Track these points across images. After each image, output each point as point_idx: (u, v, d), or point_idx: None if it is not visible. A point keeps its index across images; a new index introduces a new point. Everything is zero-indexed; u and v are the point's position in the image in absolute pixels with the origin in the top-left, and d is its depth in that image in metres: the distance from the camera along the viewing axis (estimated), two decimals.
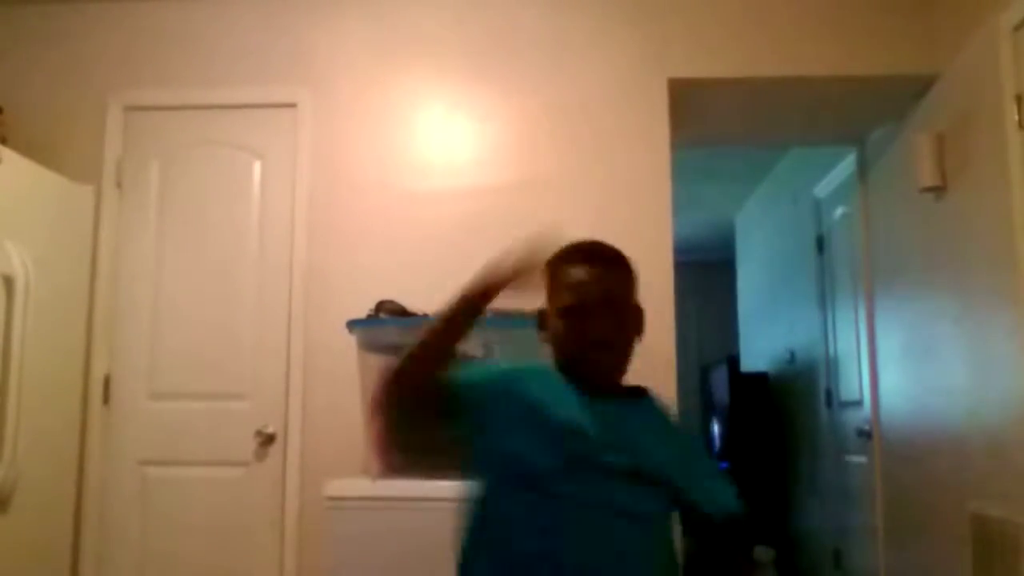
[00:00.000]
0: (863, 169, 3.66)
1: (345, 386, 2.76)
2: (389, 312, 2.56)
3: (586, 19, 3.08)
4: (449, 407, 1.36)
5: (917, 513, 3.13)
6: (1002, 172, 2.46)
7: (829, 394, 4.18)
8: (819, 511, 4.41)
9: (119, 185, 3.06)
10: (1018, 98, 2.41)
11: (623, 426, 1.36)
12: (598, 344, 1.37)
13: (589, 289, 1.38)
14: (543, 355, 1.43)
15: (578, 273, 1.39)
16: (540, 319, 1.44)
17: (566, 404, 1.35)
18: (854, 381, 3.79)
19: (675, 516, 1.40)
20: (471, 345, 2.49)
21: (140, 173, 3.07)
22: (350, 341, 2.53)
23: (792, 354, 4.80)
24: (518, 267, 1.32)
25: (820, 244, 4.32)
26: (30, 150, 2.78)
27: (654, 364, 2.84)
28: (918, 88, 3.05)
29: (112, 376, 2.98)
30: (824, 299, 4.27)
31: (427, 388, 1.35)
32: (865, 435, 3.62)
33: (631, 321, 1.44)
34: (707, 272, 7.10)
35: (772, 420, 5.05)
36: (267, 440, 2.88)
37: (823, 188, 4.27)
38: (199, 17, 3.16)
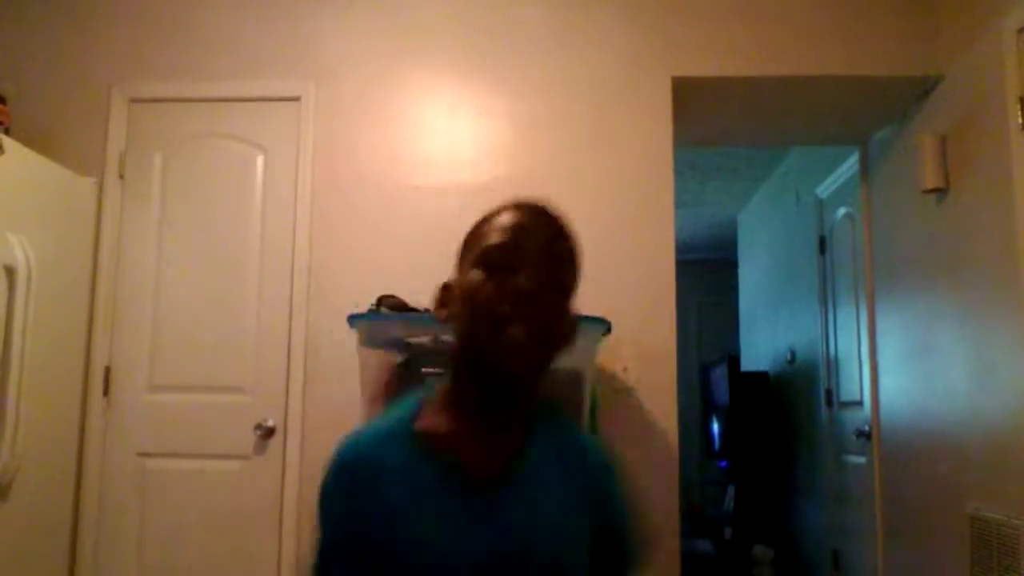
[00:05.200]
0: (866, 170, 3.66)
1: (345, 381, 2.77)
2: (390, 307, 2.56)
3: (591, 17, 3.08)
4: None
5: (916, 514, 3.13)
6: (1005, 174, 2.46)
7: (829, 394, 4.18)
8: (818, 511, 4.41)
9: (122, 177, 3.06)
10: (1021, 100, 2.41)
11: (505, 512, 0.97)
12: (523, 299, 0.95)
13: (527, 232, 1.00)
14: None
15: (512, 217, 1.02)
16: (441, 293, 1.07)
17: (426, 515, 0.97)
18: (854, 381, 3.79)
19: None
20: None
21: (143, 165, 3.07)
22: (351, 335, 2.52)
23: (793, 353, 4.80)
24: None
25: (822, 244, 4.32)
26: (33, 141, 2.78)
27: (654, 362, 2.86)
28: (922, 89, 3.04)
29: (112, 367, 2.98)
30: (825, 299, 4.27)
31: None
32: (865, 436, 3.62)
33: (567, 309, 1.03)
34: (709, 270, 7.11)
35: (772, 419, 5.05)
36: (267, 434, 2.88)
37: (826, 188, 4.26)
38: (204, 9, 3.16)
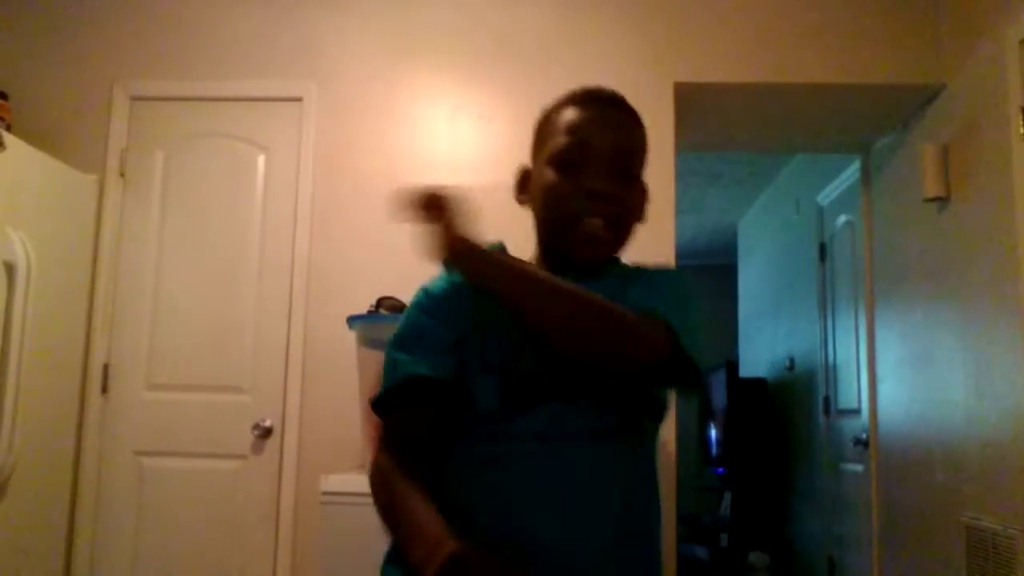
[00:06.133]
0: (867, 177, 3.66)
1: (344, 382, 2.76)
2: (389, 308, 2.56)
3: (593, 21, 3.08)
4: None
5: (912, 523, 3.13)
6: (1006, 183, 2.46)
7: (827, 402, 4.18)
8: (814, 518, 4.41)
9: (123, 175, 3.06)
10: (1023, 110, 2.41)
11: None
12: (597, 196, 1.04)
13: (595, 131, 1.07)
14: None
15: (583, 113, 1.09)
16: (521, 179, 1.16)
17: (498, 324, 1.05)
18: (852, 389, 3.79)
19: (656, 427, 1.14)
20: None
21: (144, 163, 3.07)
22: (350, 336, 2.52)
23: (791, 360, 4.80)
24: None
25: (822, 251, 4.32)
26: (35, 137, 2.78)
27: None
28: (924, 98, 3.05)
29: (111, 365, 2.98)
30: (825, 306, 4.27)
31: None
32: (862, 444, 3.62)
33: (638, 195, 1.12)
34: (708, 276, 7.09)
35: (770, 426, 5.05)
36: (264, 434, 2.88)
37: (827, 195, 4.27)
38: (208, 8, 3.16)
